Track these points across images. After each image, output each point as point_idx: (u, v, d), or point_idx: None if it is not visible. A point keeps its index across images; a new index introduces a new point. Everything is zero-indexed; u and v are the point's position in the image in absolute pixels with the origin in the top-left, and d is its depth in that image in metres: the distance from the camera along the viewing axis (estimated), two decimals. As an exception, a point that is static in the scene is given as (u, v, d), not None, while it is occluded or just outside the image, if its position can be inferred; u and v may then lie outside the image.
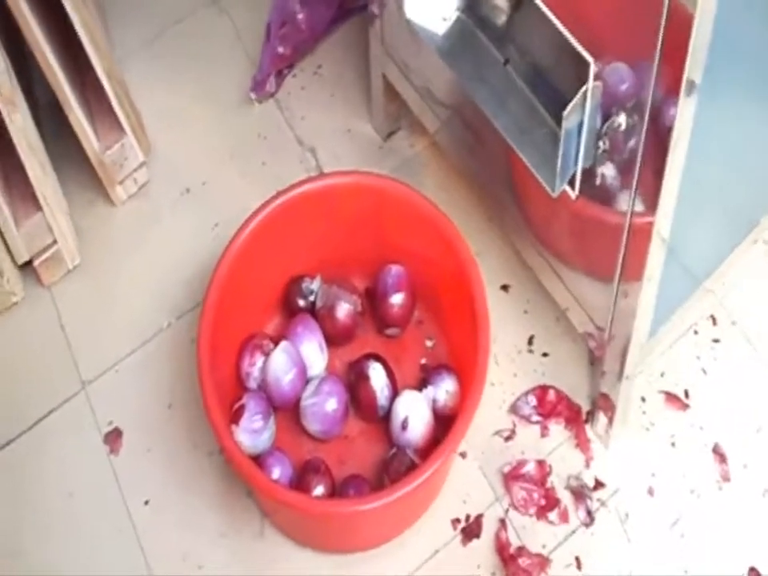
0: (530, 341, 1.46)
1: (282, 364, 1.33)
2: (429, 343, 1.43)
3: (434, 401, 1.34)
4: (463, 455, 1.39)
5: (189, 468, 1.40)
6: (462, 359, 1.33)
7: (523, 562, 1.33)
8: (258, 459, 1.30)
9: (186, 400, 1.43)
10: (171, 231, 1.54)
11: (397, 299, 1.39)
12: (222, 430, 1.22)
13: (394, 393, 1.35)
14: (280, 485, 1.27)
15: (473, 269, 1.30)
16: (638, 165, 1.01)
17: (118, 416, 1.43)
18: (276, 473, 1.29)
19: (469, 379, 1.26)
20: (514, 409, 1.42)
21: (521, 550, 1.34)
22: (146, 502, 1.39)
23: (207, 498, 1.39)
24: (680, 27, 0.85)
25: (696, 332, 1.46)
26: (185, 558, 1.36)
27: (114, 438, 1.42)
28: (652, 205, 1.01)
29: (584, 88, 0.98)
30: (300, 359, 1.35)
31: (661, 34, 0.88)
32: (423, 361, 1.42)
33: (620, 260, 1.12)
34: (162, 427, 1.42)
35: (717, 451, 1.39)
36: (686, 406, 1.42)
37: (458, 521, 1.37)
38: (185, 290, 1.50)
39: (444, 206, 1.35)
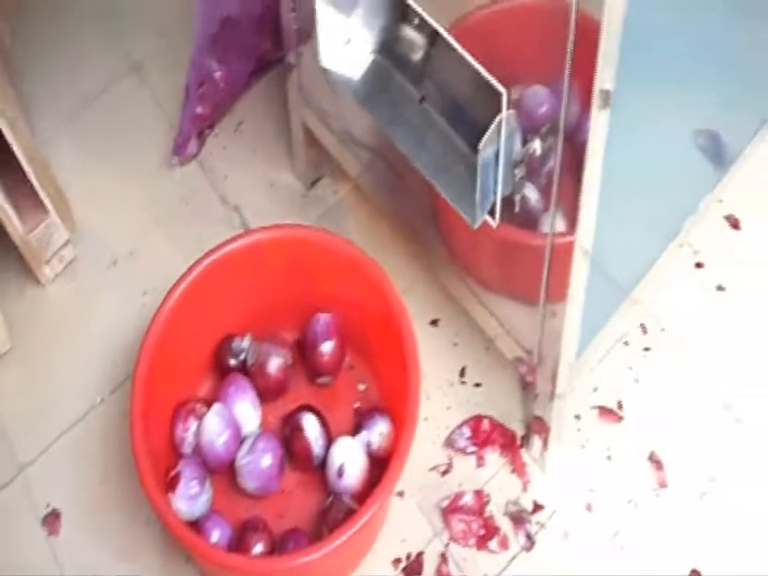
0: (462, 372, 1.28)
1: (215, 426, 1.16)
2: (361, 387, 1.25)
3: (369, 444, 1.17)
4: (401, 494, 1.21)
5: (127, 540, 1.21)
6: (395, 399, 1.16)
7: (466, 593, 1.17)
8: (197, 524, 1.13)
9: (121, 473, 1.23)
10: (101, 305, 1.35)
11: (326, 348, 1.22)
12: (157, 498, 1.05)
13: (329, 441, 1.18)
14: (218, 548, 1.11)
15: (400, 309, 1.14)
16: (555, 184, 0.86)
17: (54, 497, 1.23)
18: (215, 536, 1.12)
19: (402, 419, 1.10)
20: (449, 442, 1.24)
21: (462, 582, 1.18)
22: (87, 581, 1.21)
23: (147, 568, 1.19)
24: (591, 38, 0.72)
25: (626, 343, 1.28)
26: (129, 632, 1.18)
27: (51, 520, 1.22)
28: (573, 222, 0.87)
29: (497, 118, 0.84)
30: (233, 420, 1.18)
31: (569, 45, 0.75)
32: (357, 405, 1.24)
33: (544, 280, 0.98)
34: (99, 503, 1.23)
35: (653, 459, 1.22)
36: (620, 418, 1.25)
37: (398, 561, 1.19)
38: (116, 362, 1.30)
39: (369, 248, 1.19)
